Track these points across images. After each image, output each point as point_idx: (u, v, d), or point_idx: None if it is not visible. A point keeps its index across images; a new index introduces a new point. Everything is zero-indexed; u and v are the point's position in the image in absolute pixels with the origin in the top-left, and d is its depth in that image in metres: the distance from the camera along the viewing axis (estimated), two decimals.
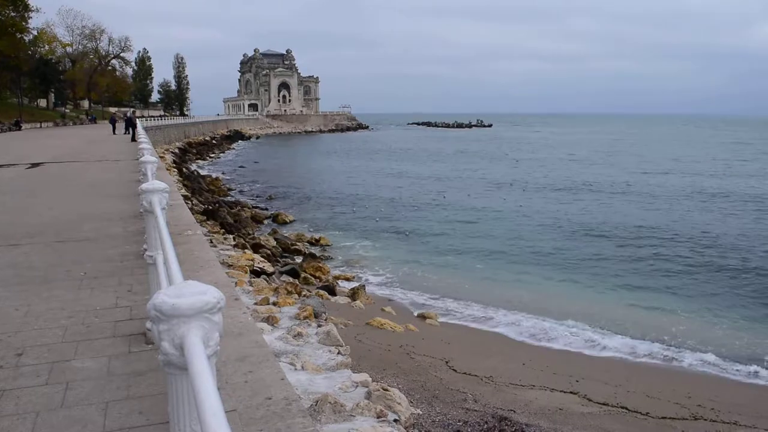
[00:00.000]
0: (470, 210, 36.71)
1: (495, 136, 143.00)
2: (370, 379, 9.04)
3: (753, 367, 13.99)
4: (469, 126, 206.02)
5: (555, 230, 30.63)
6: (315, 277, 19.08)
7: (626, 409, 10.29)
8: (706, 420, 10.14)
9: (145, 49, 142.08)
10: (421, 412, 8.71)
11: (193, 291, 1.84)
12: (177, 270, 2.70)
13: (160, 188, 4.88)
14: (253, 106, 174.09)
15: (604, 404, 10.37)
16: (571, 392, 10.86)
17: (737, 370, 13.83)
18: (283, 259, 21.47)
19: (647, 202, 40.34)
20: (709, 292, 20.07)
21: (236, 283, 13.54)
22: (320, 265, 20.56)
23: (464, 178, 54.38)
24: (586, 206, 38.40)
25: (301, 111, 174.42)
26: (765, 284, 20.83)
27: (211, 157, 74.31)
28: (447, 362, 11.58)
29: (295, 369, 8.99)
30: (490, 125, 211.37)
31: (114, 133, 47.52)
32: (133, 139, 36.71)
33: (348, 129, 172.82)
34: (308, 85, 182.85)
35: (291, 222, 31.80)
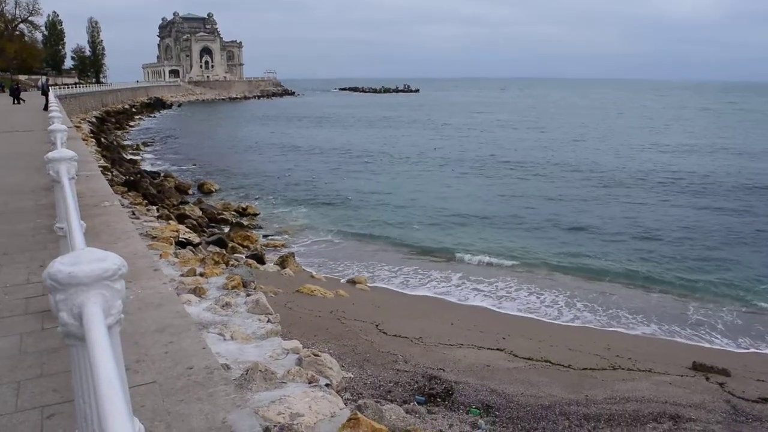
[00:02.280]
0: (397, 176, 36.90)
1: (422, 102, 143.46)
2: (301, 345, 9.01)
3: (666, 325, 14.78)
4: (396, 91, 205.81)
5: (482, 194, 31.21)
6: (243, 246, 18.81)
7: (550, 362, 10.68)
8: (623, 369, 10.64)
9: (55, 12, 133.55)
10: (352, 376, 8.78)
11: (91, 258, 1.73)
12: (80, 239, 2.56)
13: (68, 157, 4.63)
14: (174, 73, 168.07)
15: (528, 359, 10.72)
16: (497, 349, 11.17)
17: (652, 326, 14.58)
18: (210, 230, 21.04)
19: (572, 164, 41.54)
20: (628, 254, 20.95)
21: (161, 255, 13.18)
22: (248, 234, 20.27)
23: (391, 144, 54.45)
24: (511, 169, 39.20)
25: (225, 77, 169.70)
26: (685, 248, 21.88)
27: (131, 126, 71.61)
28: (377, 326, 11.69)
29: (225, 339, 8.86)
30: (417, 90, 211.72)
31: (16, 103, 43.77)
32: (46, 108, 34.82)
33: (274, 95, 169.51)
34: (231, 51, 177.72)
35: (217, 191, 31.17)
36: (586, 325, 14.36)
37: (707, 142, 53.47)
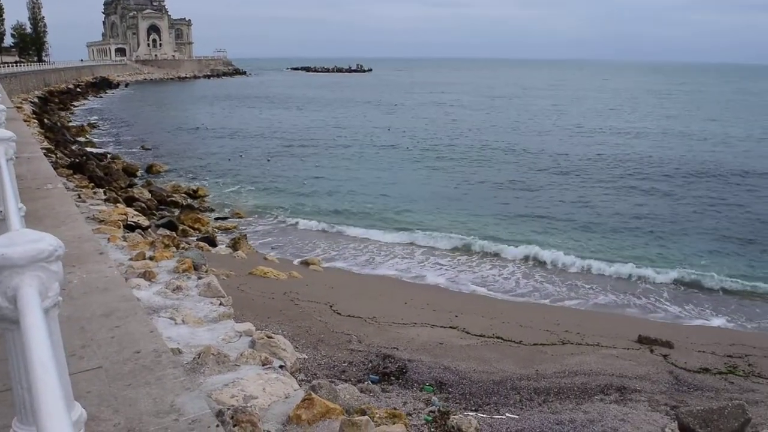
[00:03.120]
0: (351, 156, 36.80)
1: (375, 82, 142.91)
2: (254, 328, 8.95)
3: (613, 300, 15.22)
4: (349, 71, 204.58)
5: (435, 174, 31.39)
6: (194, 228, 18.53)
7: (501, 338, 10.87)
8: (572, 344, 10.91)
9: None
10: (306, 357, 8.77)
11: (26, 239, 1.67)
12: (17, 221, 2.47)
13: (5, 137, 4.46)
14: (121, 51, 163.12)
15: (480, 336, 10.89)
16: (450, 327, 11.31)
17: (601, 300, 15.01)
18: (160, 212, 20.65)
19: (522, 140, 42.06)
20: (579, 231, 21.42)
21: (108, 238, 12.88)
22: (199, 216, 19.98)
23: (343, 125, 54.17)
24: (465, 150, 39.49)
25: (173, 56, 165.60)
26: (633, 226, 22.47)
27: (75, 107, 69.39)
28: (331, 306, 11.69)
29: (176, 323, 8.73)
30: (369, 70, 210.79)
31: None
32: None
33: (224, 75, 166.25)
34: (180, 29, 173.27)
35: (166, 172, 30.56)
36: (537, 302, 14.68)
37: (654, 125, 54.79)
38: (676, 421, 6.07)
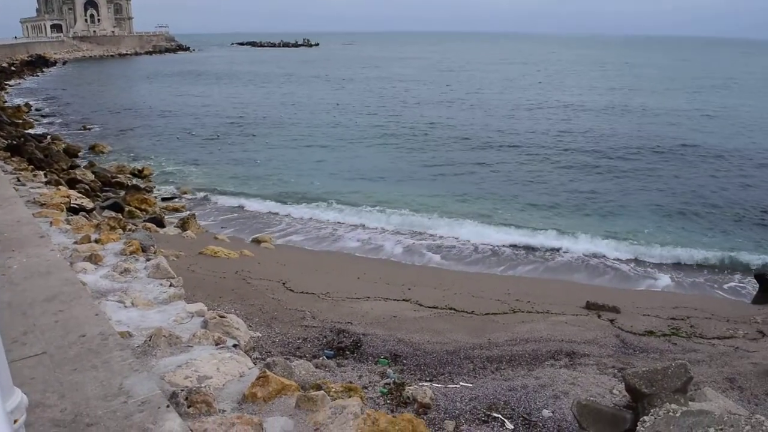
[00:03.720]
0: (299, 133, 36.43)
1: (323, 56, 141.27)
2: (206, 308, 8.84)
3: (562, 268, 15.58)
4: (296, 45, 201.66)
5: (385, 150, 31.36)
6: (140, 210, 18.12)
7: (454, 309, 11.02)
8: (523, 312, 11.14)
9: None
10: (260, 335, 8.72)
11: None
12: None
13: None
14: (57, 28, 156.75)
15: (433, 308, 11.01)
16: (403, 300, 11.40)
17: (549, 270, 15.34)
18: (104, 194, 20.11)
19: (468, 116, 42.32)
20: (530, 201, 21.77)
21: (51, 222, 12.49)
22: (145, 196, 19.53)
23: (290, 101, 53.48)
24: (414, 125, 39.50)
25: (113, 32, 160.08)
26: (572, 193, 22.93)
27: (10, 86, 66.64)
28: (284, 283, 11.63)
29: (125, 306, 8.55)
30: (317, 44, 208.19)
31: None
32: None
33: (167, 51, 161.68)
34: (119, 3, 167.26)
35: (110, 153, 29.73)
36: (488, 272, 14.91)
37: (598, 99, 55.75)
38: (623, 382, 6.25)
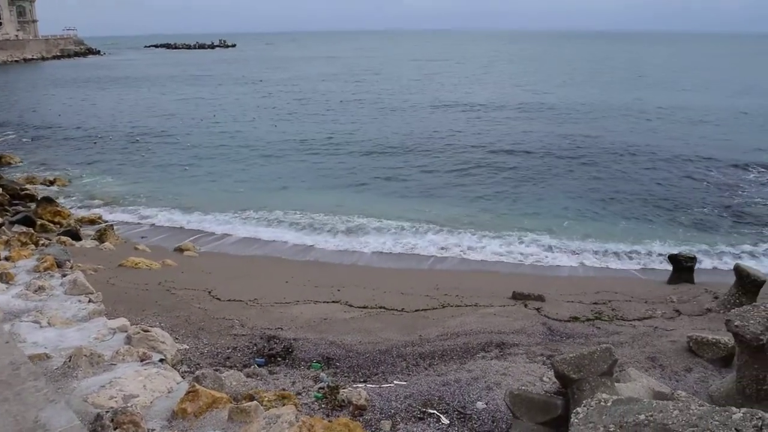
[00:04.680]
0: (218, 136, 35.65)
1: (240, 57, 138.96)
2: (129, 323, 8.54)
3: (489, 260, 15.89)
4: (212, 47, 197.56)
5: (308, 148, 31.13)
6: (54, 223, 17.32)
7: (384, 308, 11.05)
8: (452, 306, 11.29)
9: None
10: (188, 347, 8.50)
11: None
12: None
13: None
14: None
15: (364, 307, 11.01)
16: (333, 301, 11.34)
17: (475, 262, 15.62)
18: (13, 208, 19.12)
19: (384, 116, 42.58)
20: (450, 197, 22.08)
21: None
22: (58, 209, 18.64)
23: (208, 104, 52.32)
24: (330, 128, 39.38)
25: (17, 36, 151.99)
26: (488, 189, 23.42)
27: None
28: (210, 292, 11.37)
29: (41, 326, 8.17)
30: (233, 45, 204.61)
31: None
32: None
33: (76, 55, 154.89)
34: (22, 6, 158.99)
35: (18, 164, 28.26)
36: (416, 268, 15.02)
37: (498, 98, 57.12)
38: (552, 370, 6.43)
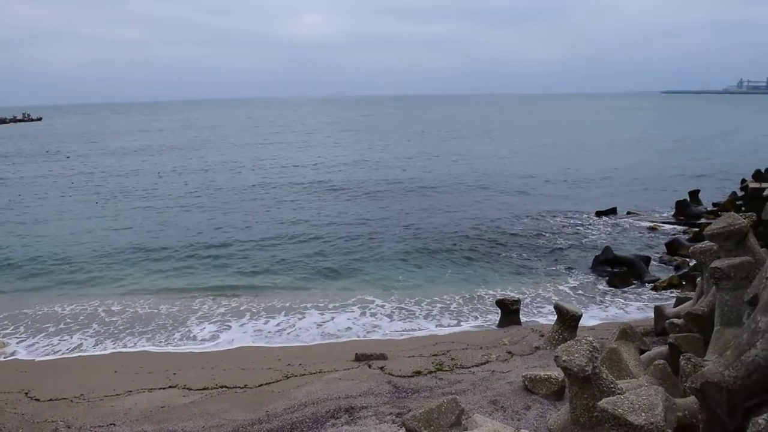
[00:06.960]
0: (35, 218, 32.59)
1: (47, 132, 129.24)
2: None
3: (326, 328, 15.81)
4: (15, 121, 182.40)
5: (137, 230, 29.38)
6: None
7: (226, 387, 10.57)
8: (297, 376, 11.07)
9: None
10: None
11: None
12: None
13: None
14: None
15: (204, 389, 10.45)
16: (170, 387, 10.65)
17: (310, 330, 15.44)
18: None
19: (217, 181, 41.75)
20: (269, 261, 21.86)
21: None
22: None
23: (20, 183, 47.89)
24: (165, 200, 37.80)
25: None
26: (300, 252, 23.59)
27: None
28: (27, 393, 10.19)
29: None
30: (39, 119, 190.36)
31: None
32: None
33: None
34: None
35: None
36: (251, 345, 14.14)
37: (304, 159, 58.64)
38: (403, 428, 6.47)
